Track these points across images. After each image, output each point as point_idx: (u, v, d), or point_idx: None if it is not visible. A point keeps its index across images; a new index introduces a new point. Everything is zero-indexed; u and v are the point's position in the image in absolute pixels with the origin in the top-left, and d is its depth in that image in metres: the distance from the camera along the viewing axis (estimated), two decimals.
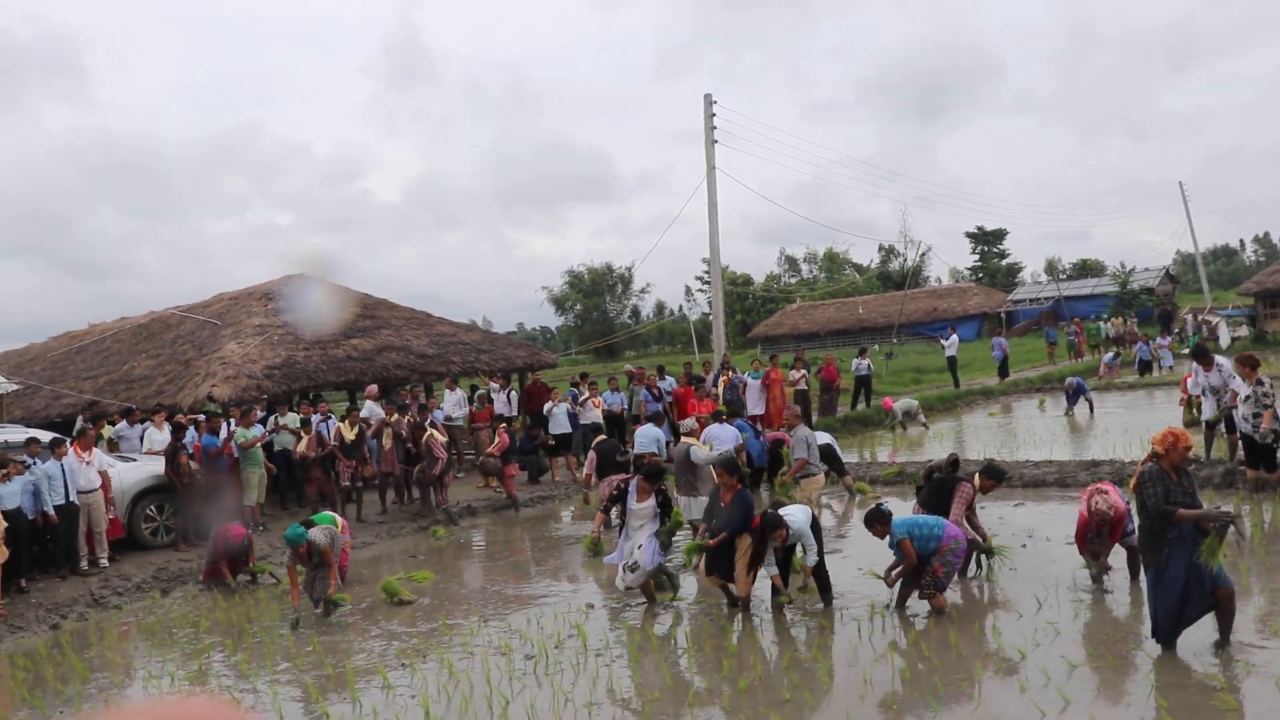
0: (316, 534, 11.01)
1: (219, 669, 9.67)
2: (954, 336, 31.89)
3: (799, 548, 9.91)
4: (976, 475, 10.82)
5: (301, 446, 16.67)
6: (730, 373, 22.31)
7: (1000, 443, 19.01)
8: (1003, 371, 32.50)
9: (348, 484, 16.87)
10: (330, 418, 17.92)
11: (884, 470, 17.24)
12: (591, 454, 15.04)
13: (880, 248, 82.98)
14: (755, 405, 22.25)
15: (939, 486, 10.56)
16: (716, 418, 15.58)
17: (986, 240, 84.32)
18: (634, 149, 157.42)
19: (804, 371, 24.43)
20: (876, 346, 45.29)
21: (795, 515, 9.85)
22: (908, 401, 24.02)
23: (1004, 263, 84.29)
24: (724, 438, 14.47)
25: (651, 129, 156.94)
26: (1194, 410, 15.74)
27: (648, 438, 15.43)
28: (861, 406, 26.34)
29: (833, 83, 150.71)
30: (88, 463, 14.13)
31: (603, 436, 15.97)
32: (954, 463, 10.80)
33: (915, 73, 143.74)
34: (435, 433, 17.03)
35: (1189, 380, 16.70)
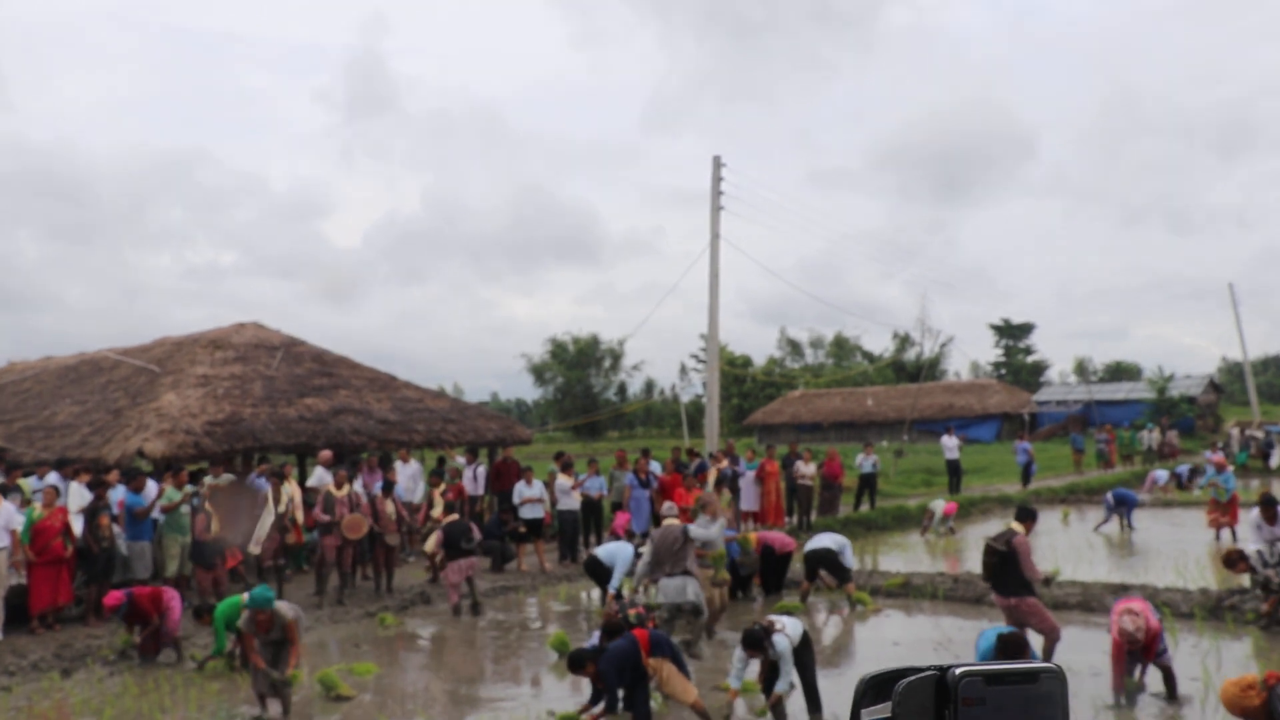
0: (283, 605, 10.58)
1: None
2: (953, 438, 31.66)
3: (779, 671, 9.64)
4: (1015, 524, 11.36)
5: (213, 526, 15.53)
6: (723, 461, 22.00)
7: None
8: (1025, 478, 32.38)
9: (270, 562, 16.51)
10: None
11: (886, 580, 16.99)
12: (438, 533, 16.11)
13: (895, 335, 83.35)
14: (749, 501, 22.01)
15: (1003, 561, 10.94)
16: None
17: (1012, 334, 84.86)
18: (620, 207, 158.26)
19: (813, 465, 24.22)
20: (884, 443, 45.17)
21: (782, 639, 9.57)
22: (937, 504, 23.84)
23: (1029, 359, 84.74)
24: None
25: (640, 186, 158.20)
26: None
27: (624, 557, 15.27)
28: (865, 508, 26.09)
29: (842, 148, 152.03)
30: None
31: (454, 517, 16.39)
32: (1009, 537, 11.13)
33: (935, 144, 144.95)
34: (393, 507, 16.87)
35: (1242, 530, 16.49)
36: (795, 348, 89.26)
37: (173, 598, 13.15)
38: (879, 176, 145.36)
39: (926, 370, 70.74)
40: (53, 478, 16.44)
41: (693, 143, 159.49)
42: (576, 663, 9.85)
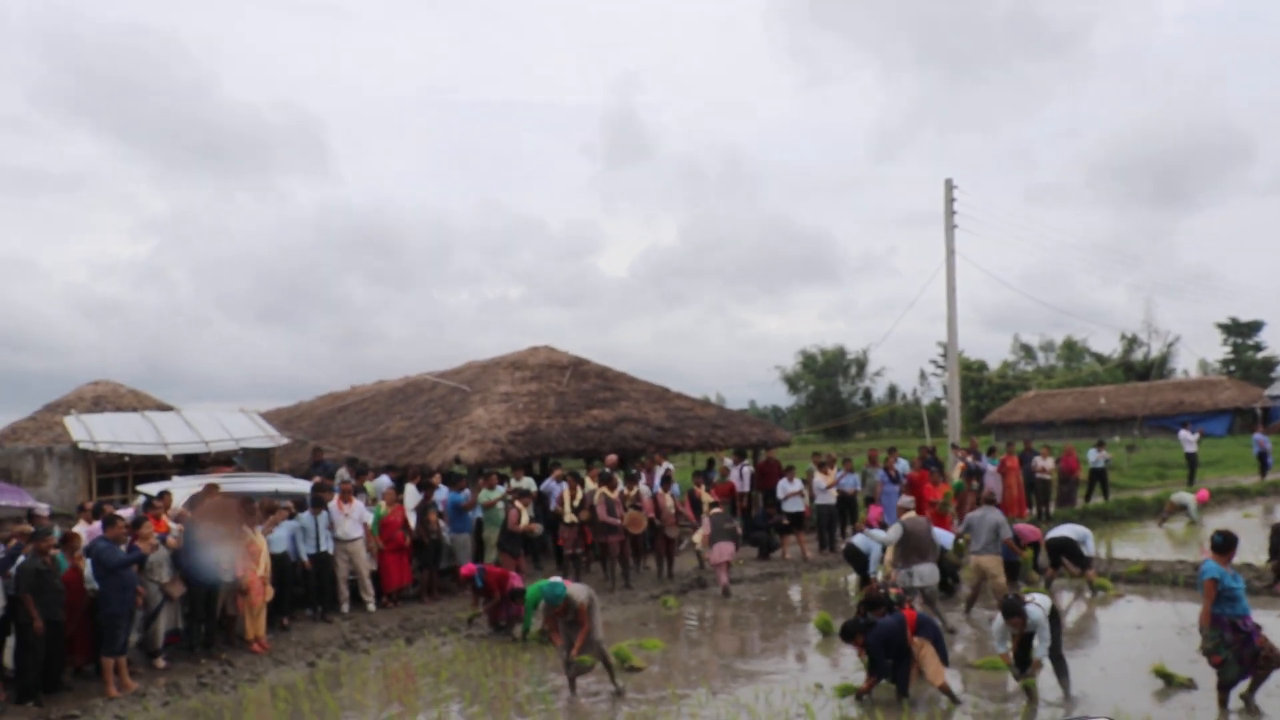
0: (576, 590, 10.68)
1: (455, 719, 9.91)
2: (1190, 432, 29.77)
3: (1035, 639, 9.55)
4: None
5: (523, 519, 16.13)
6: (969, 458, 21.62)
7: (1259, 547, 17.51)
8: (1263, 469, 30.19)
9: (570, 551, 17.04)
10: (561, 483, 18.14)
11: (1126, 567, 16.30)
12: (705, 520, 16.55)
13: (1122, 337, 78.97)
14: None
15: None
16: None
17: (1240, 331, 79.02)
18: (855, 231, 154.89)
19: (1050, 460, 23.41)
20: (1116, 439, 43.03)
21: (1035, 609, 9.54)
22: (1186, 496, 22.70)
23: (1260, 355, 78.73)
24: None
25: (871, 210, 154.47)
26: None
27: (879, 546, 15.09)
28: (1098, 500, 24.97)
29: (1060, 164, 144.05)
30: (347, 515, 14.97)
31: (719, 509, 16.99)
32: None
33: (1151, 153, 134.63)
34: (671, 503, 17.28)
35: None
36: (1028, 351, 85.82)
37: (517, 583, 13.88)
38: (1097, 189, 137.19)
39: (1155, 369, 66.96)
40: (385, 480, 17.52)
41: (916, 168, 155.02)
42: (848, 633, 10.17)
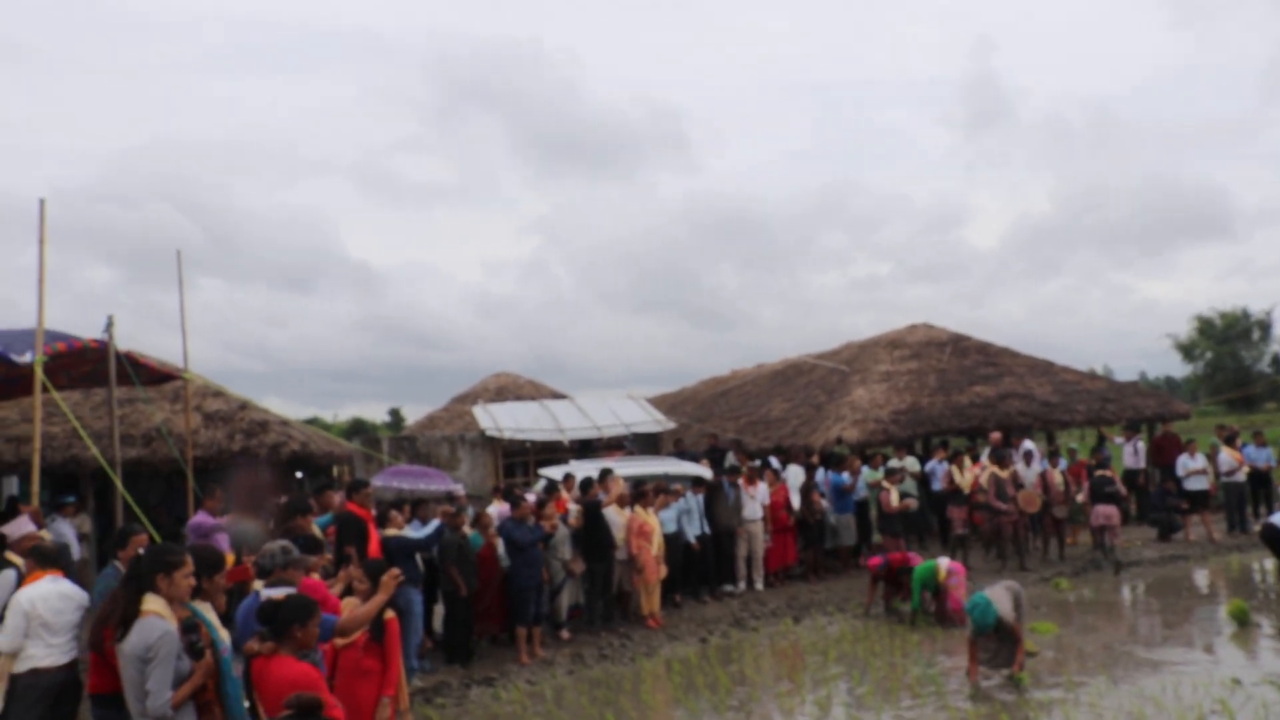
0: (1005, 608, 9.90)
1: (844, 698, 9.90)
2: None
3: None
4: None
5: (894, 499, 15.97)
6: None
7: None
8: None
9: (960, 532, 16.57)
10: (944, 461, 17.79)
11: None
12: (1087, 484, 16.54)
13: None
14: None
15: None
16: None
17: None
18: (1249, 180, 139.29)
19: None
20: None
21: None
22: None
23: None
24: None
25: (1267, 155, 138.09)
26: None
27: None
28: None
29: None
30: (752, 496, 15.34)
31: (1102, 472, 16.51)
32: None
33: None
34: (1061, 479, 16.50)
35: None
36: None
37: (914, 561, 13.66)
38: None
39: None
40: (771, 461, 17.74)
41: None
42: None
